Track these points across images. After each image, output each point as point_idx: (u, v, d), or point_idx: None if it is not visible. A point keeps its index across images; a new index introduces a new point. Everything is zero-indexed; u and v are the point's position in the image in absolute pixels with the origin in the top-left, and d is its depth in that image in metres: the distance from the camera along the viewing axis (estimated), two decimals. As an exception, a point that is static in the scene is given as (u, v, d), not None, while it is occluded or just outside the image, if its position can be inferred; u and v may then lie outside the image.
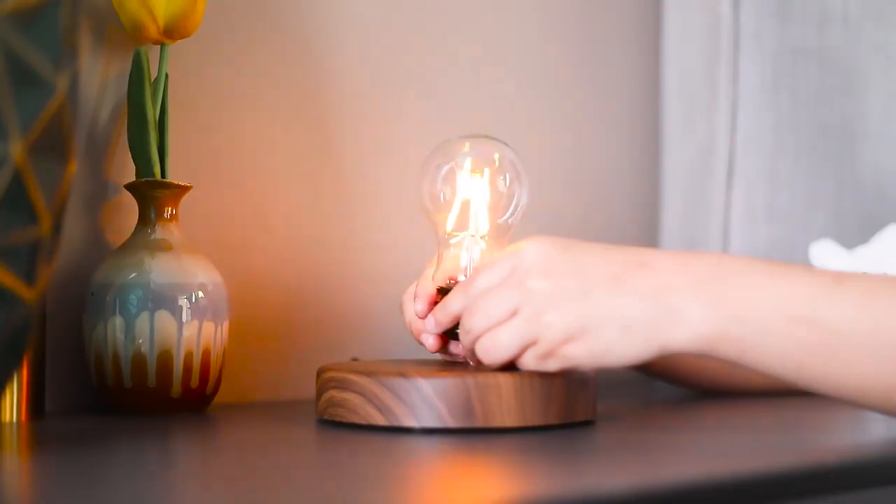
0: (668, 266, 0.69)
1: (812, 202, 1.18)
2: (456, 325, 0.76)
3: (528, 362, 0.71)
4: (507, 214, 0.80)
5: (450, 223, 0.80)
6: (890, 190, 1.20)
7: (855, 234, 1.15)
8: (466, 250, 0.79)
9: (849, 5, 1.19)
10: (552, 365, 0.71)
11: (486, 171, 0.80)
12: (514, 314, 0.71)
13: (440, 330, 0.76)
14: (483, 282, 0.72)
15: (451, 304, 0.75)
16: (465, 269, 0.79)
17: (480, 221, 0.80)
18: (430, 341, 0.77)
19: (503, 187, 0.80)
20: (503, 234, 0.80)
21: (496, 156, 0.80)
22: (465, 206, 0.80)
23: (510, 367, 0.73)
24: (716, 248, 1.17)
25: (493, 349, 0.71)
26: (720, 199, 1.17)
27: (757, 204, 1.17)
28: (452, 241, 0.80)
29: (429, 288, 0.78)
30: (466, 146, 0.80)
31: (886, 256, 0.97)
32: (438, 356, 0.80)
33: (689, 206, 1.19)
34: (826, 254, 1.01)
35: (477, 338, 0.72)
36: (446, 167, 0.80)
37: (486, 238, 0.79)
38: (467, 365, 0.77)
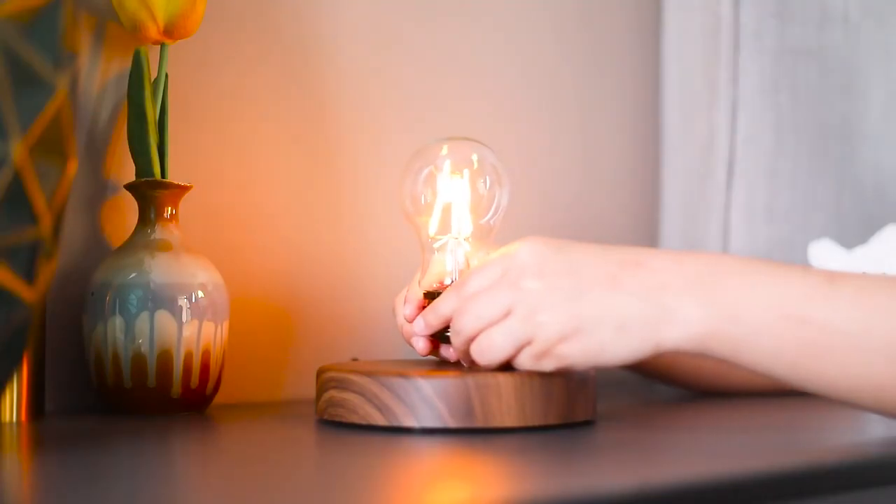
0: (663, 265, 0.69)
1: (812, 202, 1.18)
2: (446, 329, 0.76)
3: (524, 362, 0.71)
4: (489, 216, 0.80)
5: (432, 227, 0.80)
6: (890, 190, 1.20)
7: (855, 234, 1.15)
8: (451, 253, 0.79)
9: (849, 5, 1.19)
10: (547, 364, 0.71)
11: (466, 172, 0.80)
12: (507, 314, 0.71)
13: (429, 332, 0.76)
14: (476, 283, 0.73)
15: (442, 306, 0.75)
16: (451, 272, 0.79)
17: (462, 224, 0.80)
18: (420, 345, 0.77)
19: (483, 189, 0.80)
20: (485, 236, 0.80)
21: (475, 157, 0.80)
22: (447, 208, 0.80)
23: (505, 367, 0.73)
24: (716, 248, 1.17)
25: (488, 350, 0.71)
26: (720, 199, 1.17)
27: (757, 204, 1.17)
28: (436, 244, 0.80)
29: (418, 292, 0.78)
30: (445, 149, 0.81)
31: (885, 256, 0.97)
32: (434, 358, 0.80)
33: (689, 206, 1.19)
34: (825, 254, 1.01)
35: (468, 339, 0.72)
36: (426, 170, 0.80)
37: (469, 240, 0.80)
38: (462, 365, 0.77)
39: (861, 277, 0.68)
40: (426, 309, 0.76)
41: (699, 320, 0.68)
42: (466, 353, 0.73)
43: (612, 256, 0.71)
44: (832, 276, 0.68)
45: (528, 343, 0.71)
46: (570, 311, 0.69)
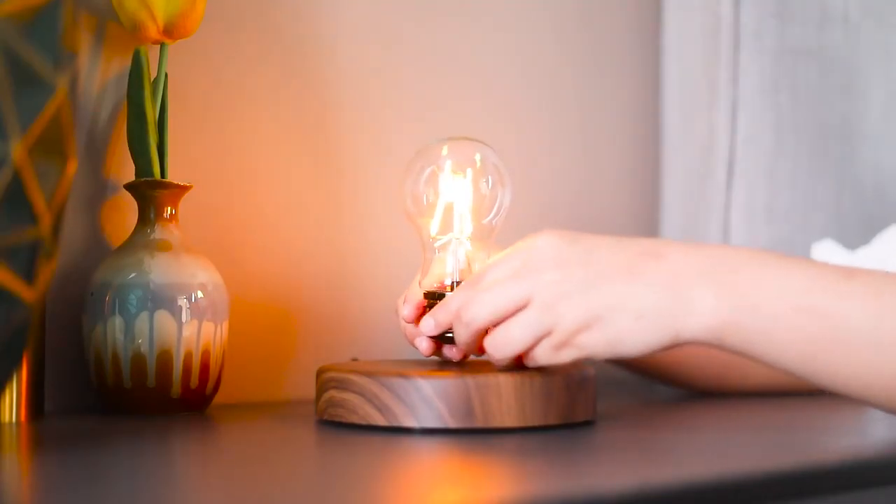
0: (679, 256, 0.69)
1: (812, 202, 1.18)
2: (450, 328, 0.75)
3: (541, 354, 0.71)
4: (491, 216, 0.80)
5: (434, 227, 0.80)
6: (890, 190, 1.20)
7: (855, 234, 1.15)
8: (452, 253, 0.79)
9: (849, 5, 1.19)
10: (566, 355, 0.70)
11: (469, 172, 0.80)
12: (524, 306, 0.70)
13: (439, 331, 0.75)
14: (492, 276, 0.72)
15: (453, 302, 0.74)
16: (452, 272, 0.79)
17: (464, 223, 0.79)
18: (424, 345, 0.77)
19: (486, 189, 0.80)
20: (487, 236, 0.80)
21: (478, 157, 0.80)
22: (449, 208, 0.80)
23: (516, 364, 0.72)
24: (716, 248, 1.17)
25: (504, 343, 0.71)
26: (720, 199, 1.17)
27: (757, 204, 1.17)
28: (437, 244, 0.79)
29: (418, 293, 0.78)
30: (447, 148, 0.80)
31: (888, 257, 0.97)
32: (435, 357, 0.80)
33: (689, 206, 1.19)
34: (827, 254, 1.01)
35: (479, 331, 0.72)
36: (428, 170, 0.80)
37: (471, 240, 0.79)
38: (466, 364, 0.77)
39: (875, 274, 0.68)
40: (435, 307, 0.76)
41: (716, 311, 0.68)
42: (474, 345, 0.73)
43: (628, 247, 0.71)
44: (847, 272, 0.68)
45: (547, 334, 0.70)
46: (589, 300, 0.69)
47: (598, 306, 0.69)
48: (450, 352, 0.77)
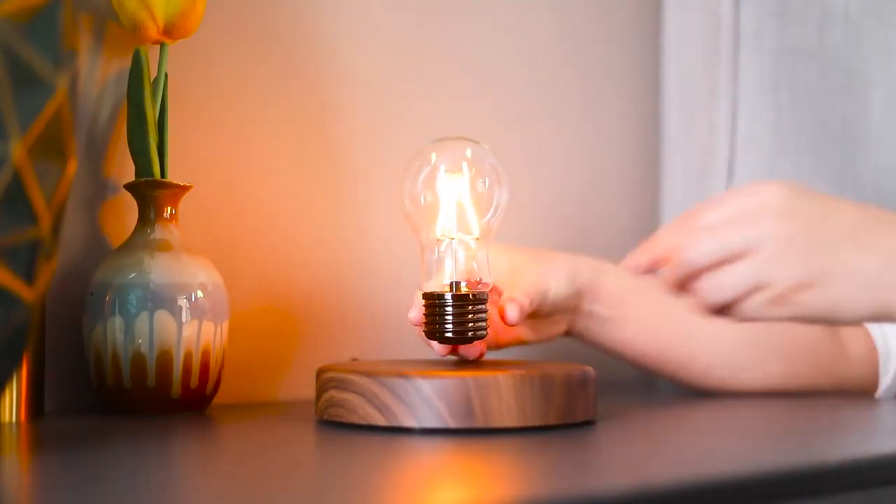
0: None
1: (812, 202, 1.17)
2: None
3: (753, 307, 0.69)
4: (488, 216, 0.80)
5: (432, 227, 0.80)
6: (890, 190, 1.20)
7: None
8: (451, 255, 0.79)
9: (849, 5, 1.19)
10: (780, 312, 0.69)
11: (466, 173, 0.80)
12: (745, 254, 0.68)
13: (643, 270, 0.72)
14: (712, 216, 0.70)
15: (666, 238, 0.71)
16: (451, 273, 0.78)
17: (463, 224, 0.79)
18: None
19: (482, 188, 0.80)
20: (485, 236, 0.80)
21: (474, 157, 0.80)
22: (447, 209, 0.80)
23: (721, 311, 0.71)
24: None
25: (719, 288, 0.69)
26: (720, 199, 1.17)
27: (757, 204, 1.17)
28: (437, 245, 0.79)
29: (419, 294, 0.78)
30: (445, 149, 0.80)
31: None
32: (434, 356, 0.80)
33: (689, 207, 1.19)
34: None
35: (695, 272, 0.69)
36: (426, 170, 0.80)
37: (470, 240, 0.79)
38: (470, 364, 0.77)
39: None
40: (643, 245, 0.73)
41: None
42: (681, 285, 0.71)
43: (862, 213, 0.69)
44: None
45: (762, 287, 0.68)
46: (815, 259, 0.67)
47: (823, 267, 0.67)
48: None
